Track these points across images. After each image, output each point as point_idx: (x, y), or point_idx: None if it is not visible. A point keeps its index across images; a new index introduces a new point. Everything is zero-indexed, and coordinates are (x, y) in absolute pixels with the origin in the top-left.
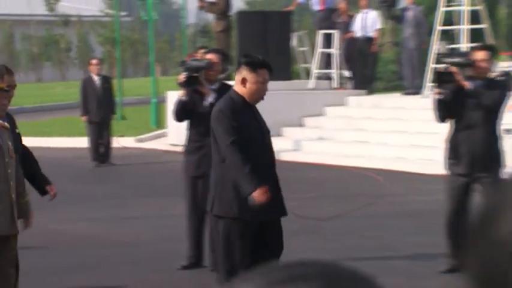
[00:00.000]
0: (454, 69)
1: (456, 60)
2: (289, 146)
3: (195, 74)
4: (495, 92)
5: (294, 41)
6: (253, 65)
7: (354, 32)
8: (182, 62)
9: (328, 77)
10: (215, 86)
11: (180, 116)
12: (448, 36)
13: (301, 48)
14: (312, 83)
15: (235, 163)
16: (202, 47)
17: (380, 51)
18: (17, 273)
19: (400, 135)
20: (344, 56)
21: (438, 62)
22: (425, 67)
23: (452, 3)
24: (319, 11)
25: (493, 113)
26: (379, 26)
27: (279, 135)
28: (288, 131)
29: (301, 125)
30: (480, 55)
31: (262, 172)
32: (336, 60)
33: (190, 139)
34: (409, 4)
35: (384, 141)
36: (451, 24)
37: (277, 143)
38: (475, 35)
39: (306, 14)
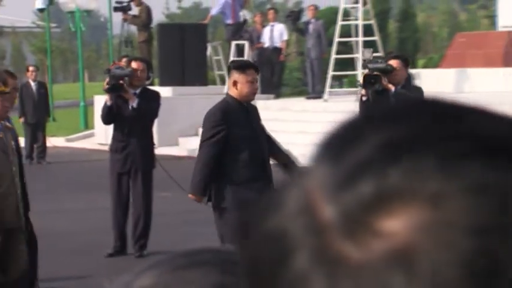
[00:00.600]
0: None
1: (379, 66)
2: None
3: (120, 82)
4: (414, 95)
5: (209, 51)
6: (242, 67)
7: (263, 42)
8: (107, 70)
9: None
10: (138, 91)
11: (106, 119)
12: (346, 48)
13: (216, 57)
14: (226, 88)
15: (200, 160)
16: (125, 56)
17: (286, 60)
18: (35, 250)
19: (304, 135)
20: (255, 62)
21: (364, 67)
22: (326, 74)
23: (349, 18)
24: (230, 24)
25: None
26: (285, 37)
27: (196, 134)
28: None
29: None
30: (395, 63)
31: (253, 169)
32: None
33: (116, 139)
34: (311, 18)
35: (290, 140)
36: (348, 36)
37: (193, 142)
38: (369, 46)
39: (219, 26)
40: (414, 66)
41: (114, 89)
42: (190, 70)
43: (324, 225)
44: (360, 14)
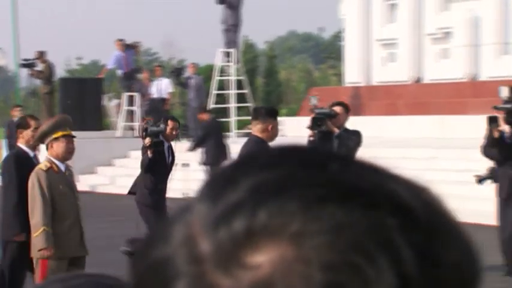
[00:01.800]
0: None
1: (325, 111)
2: (102, 181)
3: (156, 139)
4: (353, 137)
5: (106, 100)
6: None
7: (151, 94)
8: (145, 129)
9: (131, 128)
10: (169, 144)
11: (147, 168)
12: (222, 99)
13: (111, 105)
14: (119, 132)
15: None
16: (18, 105)
17: (171, 109)
18: None
19: (187, 172)
20: (144, 112)
21: (312, 111)
22: None
23: (224, 74)
24: (124, 73)
25: (352, 154)
26: (170, 90)
27: (93, 172)
28: (100, 169)
29: (110, 165)
30: (338, 109)
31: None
32: (137, 115)
33: (151, 181)
34: (192, 74)
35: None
36: (223, 89)
37: (92, 179)
38: (240, 98)
39: (114, 79)
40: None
41: (155, 145)
42: (88, 118)
43: (201, 257)
44: (233, 71)
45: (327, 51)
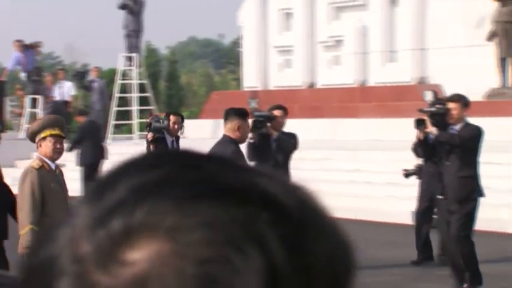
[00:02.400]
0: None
1: (264, 114)
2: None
3: (158, 135)
4: (292, 140)
5: (8, 103)
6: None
7: (54, 97)
8: (149, 124)
9: None
10: (173, 139)
11: None
12: (124, 102)
13: (12, 108)
14: (22, 134)
15: None
16: None
17: (74, 111)
18: None
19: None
20: (48, 114)
21: (252, 114)
22: (108, 123)
23: (126, 78)
24: (28, 74)
25: (290, 156)
26: (73, 92)
27: None
28: (4, 170)
29: (13, 166)
30: (277, 112)
31: None
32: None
33: None
34: (95, 77)
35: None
36: (125, 92)
37: None
38: (143, 101)
39: (15, 82)
40: None
41: (157, 141)
42: None
43: (82, 257)
44: (135, 75)
45: (226, 57)
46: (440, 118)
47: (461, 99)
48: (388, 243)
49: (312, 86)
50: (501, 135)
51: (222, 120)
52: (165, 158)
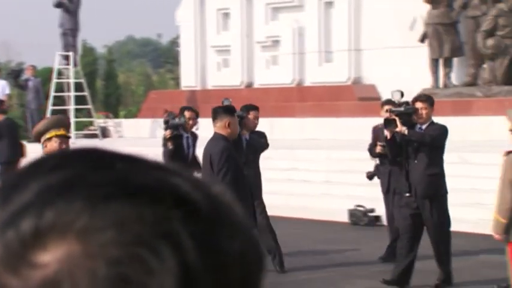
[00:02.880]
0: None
1: (239, 114)
2: None
3: (176, 132)
4: (262, 139)
5: None
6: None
7: None
8: (166, 122)
9: None
10: (188, 135)
11: (168, 160)
12: (60, 101)
13: None
14: None
15: None
16: None
17: (9, 110)
18: None
19: None
20: None
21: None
22: None
23: (62, 76)
24: None
25: (259, 154)
26: (7, 91)
27: None
28: None
29: None
30: (252, 114)
31: None
32: None
33: None
34: (30, 76)
35: None
36: (61, 91)
37: None
38: (80, 100)
39: None
40: (117, 117)
41: (175, 137)
42: None
43: None
44: (72, 74)
45: (164, 56)
46: (407, 118)
47: (428, 99)
48: (324, 241)
49: (249, 85)
50: None
51: (160, 119)
52: (74, 158)
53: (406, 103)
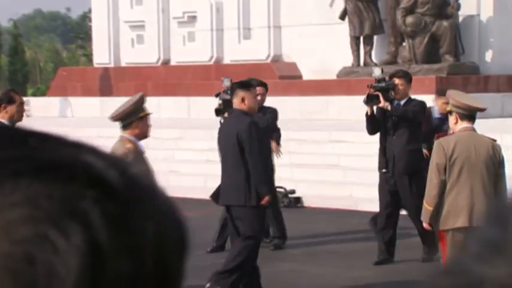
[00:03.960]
0: None
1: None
2: None
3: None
4: (267, 115)
5: None
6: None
7: None
8: (217, 94)
9: None
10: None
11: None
12: None
13: None
14: None
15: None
16: None
17: None
18: None
19: None
20: None
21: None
22: None
23: None
24: None
25: (268, 130)
26: None
27: None
28: None
29: None
30: (259, 89)
31: None
32: None
33: None
34: None
35: None
36: None
37: None
38: None
39: None
40: (24, 95)
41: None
42: None
43: None
44: None
45: (75, 31)
46: (387, 93)
47: (406, 75)
48: None
49: (166, 63)
50: (353, 113)
51: (70, 98)
52: None
53: (385, 79)
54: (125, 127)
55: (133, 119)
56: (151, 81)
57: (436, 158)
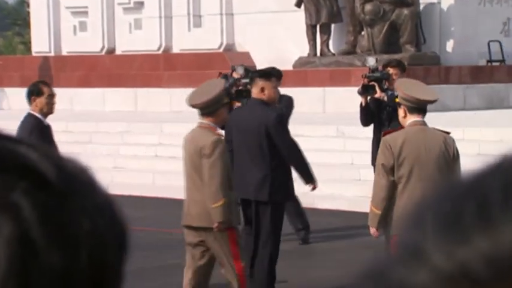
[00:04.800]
0: None
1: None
2: None
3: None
4: (286, 103)
5: None
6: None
7: None
8: (224, 76)
9: None
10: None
11: None
12: None
13: None
14: None
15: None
16: None
17: None
18: None
19: None
20: None
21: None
22: None
23: None
24: None
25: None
26: None
27: None
28: None
29: None
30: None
31: None
32: None
33: None
34: None
35: None
36: None
37: None
38: None
39: None
40: None
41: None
42: None
43: None
44: None
45: (11, 17)
46: (381, 84)
47: (400, 64)
48: None
49: (111, 52)
50: (311, 106)
51: (7, 89)
52: None
53: (378, 69)
54: (208, 114)
55: (219, 105)
56: (95, 72)
57: (382, 159)
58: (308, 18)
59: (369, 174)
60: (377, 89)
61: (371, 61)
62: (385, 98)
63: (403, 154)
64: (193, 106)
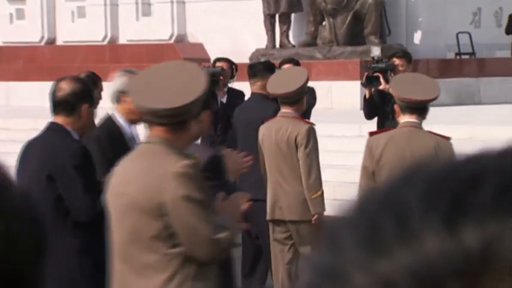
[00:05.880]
0: None
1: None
2: None
3: (215, 78)
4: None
5: None
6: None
7: None
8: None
9: None
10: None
11: None
12: None
13: None
14: None
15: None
16: None
17: None
18: None
19: None
20: None
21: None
22: None
23: None
24: None
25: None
26: None
27: None
28: None
29: None
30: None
31: None
32: None
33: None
34: None
35: None
36: None
37: None
38: None
39: None
40: None
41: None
42: None
43: None
44: None
45: None
46: (386, 75)
47: (406, 55)
48: None
49: (51, 42)
50: None
51: None
52: None
53: (383, 59)
54: (293, 103)
55: (304, 94)
56: (33, 64)
57: (363, 160)
58: (266, 7)
59: (329, 175)
60: (381, 80)
61: (375, 51)
62: (390, 90)
63: (383, 159)
64: (280, 95)
